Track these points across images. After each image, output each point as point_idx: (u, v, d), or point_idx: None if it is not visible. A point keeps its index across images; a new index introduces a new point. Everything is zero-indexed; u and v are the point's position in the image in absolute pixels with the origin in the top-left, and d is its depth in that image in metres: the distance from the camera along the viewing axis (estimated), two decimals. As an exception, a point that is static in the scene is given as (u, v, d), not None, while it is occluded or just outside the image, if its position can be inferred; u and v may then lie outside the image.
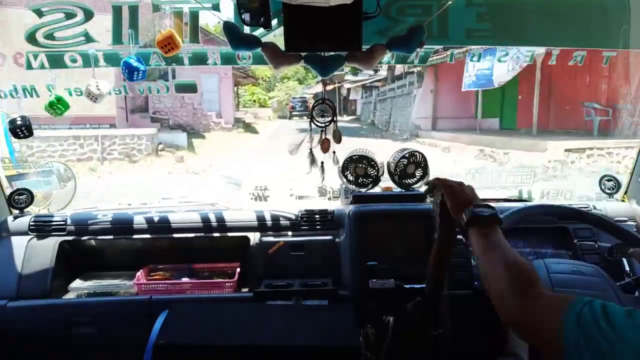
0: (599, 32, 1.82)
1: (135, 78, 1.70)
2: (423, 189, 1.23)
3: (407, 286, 1.53)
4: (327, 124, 1.57)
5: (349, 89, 23.71)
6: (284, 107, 24.02)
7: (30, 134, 1.78)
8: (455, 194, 1.06)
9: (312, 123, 1.57)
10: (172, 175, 9.46)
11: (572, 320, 0.70)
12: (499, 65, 8.62)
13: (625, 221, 1.84)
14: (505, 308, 0.84)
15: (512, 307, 0.82)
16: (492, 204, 1.01)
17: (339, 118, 1.57)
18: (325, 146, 1.59)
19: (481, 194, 1.09)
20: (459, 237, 1.07)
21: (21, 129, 1.76)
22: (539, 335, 0.77)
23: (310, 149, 1.60)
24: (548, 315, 0.75)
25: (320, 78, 1.59)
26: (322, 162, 1.67)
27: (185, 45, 1.69)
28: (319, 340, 1.15)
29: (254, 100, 25.84)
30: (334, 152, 1.63)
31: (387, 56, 1.91)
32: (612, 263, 1.68)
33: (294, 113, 20.58)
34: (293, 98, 22.29)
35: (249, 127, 16.32)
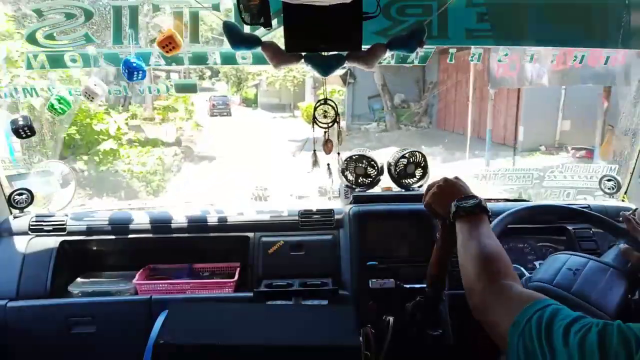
0: (599, 32, 1.82)
1: (135, 78, 1.70)
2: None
3: (407, 286, 1.54)
4: (329, 125, 1.56)
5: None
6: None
7: (33, 133, 1.78)
8: (439, 192, 1.05)
9: (315, 124, 1.57)
10: None
11: (519, 325, 0.64)
12: None
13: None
14: (471, 298, 0.79)
15: (476, 296, 0.77)
16: (492, 204, 1.00)
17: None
18: (328, 148, 1.59)
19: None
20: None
21: (23, 129, 1.76)
22: (494, 333, 0.71)
23: (314, 150, 1.60)
24: (505, 315, 0.68)
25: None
26: (329, 164, 1.66)
27: (185, 45, 1.69)
28: (319, 340, 1.14)
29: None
30: (338, 154, 1.62)
31: (387, 56, 1.91)
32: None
33: (214, 111, 18.65)
34: (214, 96, 20.00)
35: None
